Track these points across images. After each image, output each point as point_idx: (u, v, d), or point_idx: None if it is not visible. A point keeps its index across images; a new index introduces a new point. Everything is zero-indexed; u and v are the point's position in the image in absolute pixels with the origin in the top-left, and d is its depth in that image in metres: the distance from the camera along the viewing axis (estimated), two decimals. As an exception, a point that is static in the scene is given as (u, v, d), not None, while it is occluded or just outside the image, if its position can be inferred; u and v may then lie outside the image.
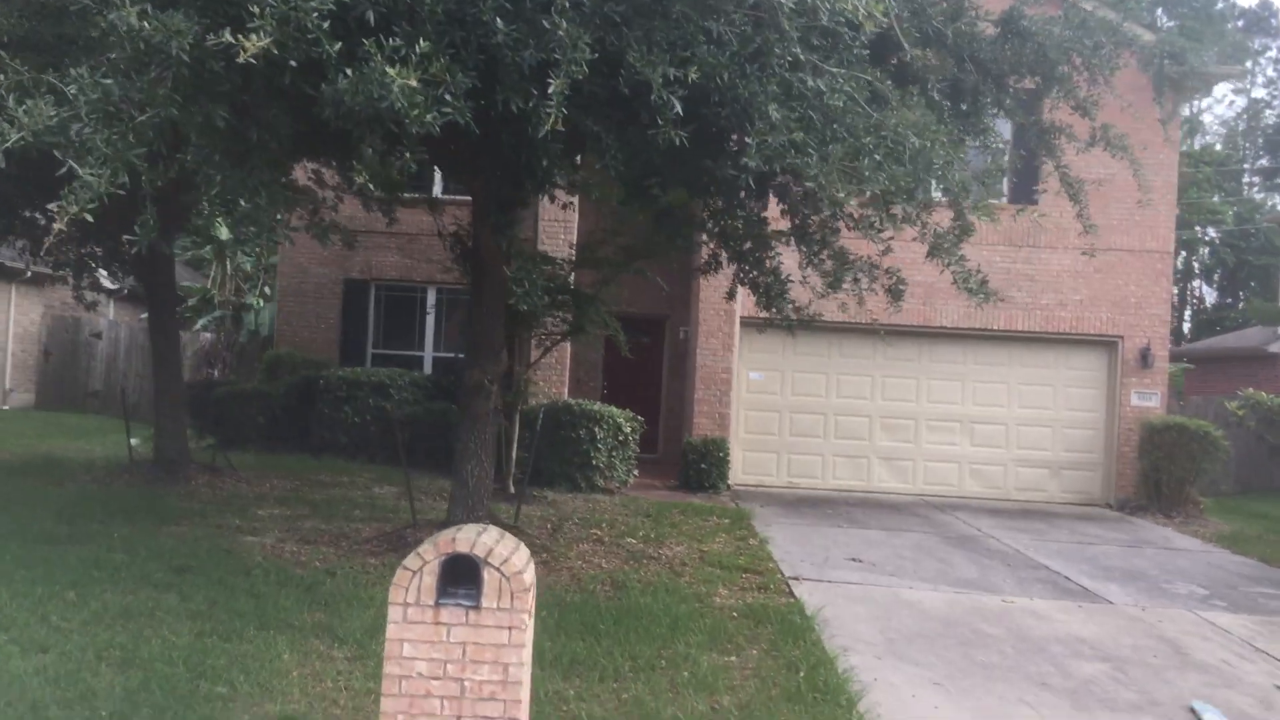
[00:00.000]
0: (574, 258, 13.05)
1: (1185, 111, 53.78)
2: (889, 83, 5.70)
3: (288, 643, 6.24)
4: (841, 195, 5.17)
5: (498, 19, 4.59)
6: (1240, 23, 55.34)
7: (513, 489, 12.48)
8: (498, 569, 4.51)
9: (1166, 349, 15.77)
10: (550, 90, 4.22)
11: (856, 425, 15.87)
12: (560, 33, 4.39)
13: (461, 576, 4.59)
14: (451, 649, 4.50)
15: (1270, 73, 56.62)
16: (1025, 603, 8.99)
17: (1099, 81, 8.41)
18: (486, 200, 7.79)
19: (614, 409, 13.79)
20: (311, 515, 10.44)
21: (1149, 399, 15.54)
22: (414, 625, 4.49)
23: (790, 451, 15.84)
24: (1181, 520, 14.51)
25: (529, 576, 4.66)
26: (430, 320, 17.75)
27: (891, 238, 7.56)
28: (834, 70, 5.38)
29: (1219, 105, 70.39)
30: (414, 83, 3.80)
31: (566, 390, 15.41)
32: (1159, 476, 14.84)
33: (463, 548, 4.53)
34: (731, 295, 10.92)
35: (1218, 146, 54.39)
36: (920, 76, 6.51)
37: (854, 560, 10.32)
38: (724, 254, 9.96)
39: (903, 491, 15.70)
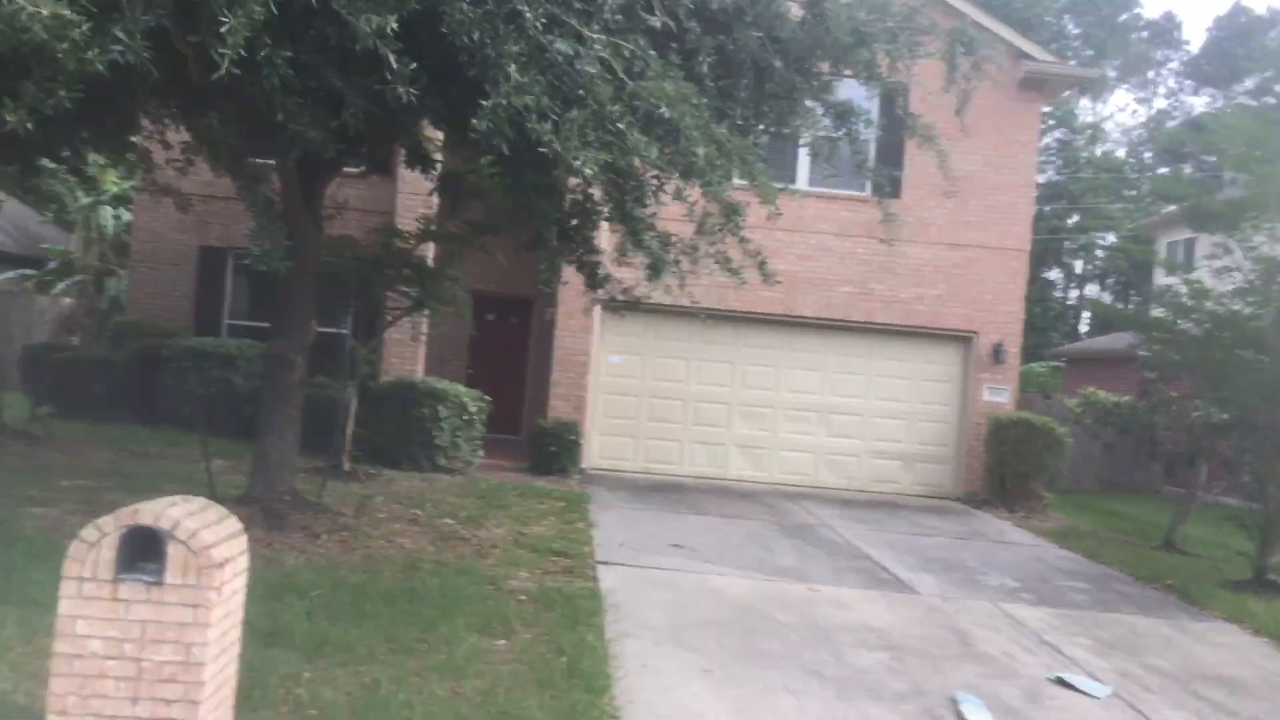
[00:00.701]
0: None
1: (1089, 117, 55.07)
2: (652, 52, 5.53)
3: (20, 618, 5.93)
4: (578, 163, 4.99)
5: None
6: (1145, 34, 56.50)
7: (348, 466, 12.19)
8: (184, 543, 4.28)
9: (1019, 345, 16.02)
10: (223, 30, 3.97)
11: (715, 412, 15.85)
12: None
13: (152, 551, 4.36)
14: (130, 627, 4.26)
15: (1171, 83, 57.98)
16: (832, 591, 9.00)
17: (898, 69, 8.34)
18: (282, 161, 7.51)
19: (461, 387, 13.55)
20: (118, 488, 9.99)
21: (1000, 394, 15.78)
22: (90, 601, 4.25)
23: (648, 437, 15.76)
24: (1024, 515, 14.77)
25: (221, 552, 4.43)
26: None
27: (654, 214, 7.42)
28: (595, 35, 5.21)
29: (1121, 114, 71.98)
30: (45, 12, 3.51)
31: (421, 367, 15.09)
32: (1004, 471, 15.08)
33: (146, 520, 4.29)
34: (553, 274, 10.76)
35: (1120, 153, 55.56)
36: (693, 49, 6.31)
37: (677, 546, 10.25)
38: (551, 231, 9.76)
39: (758, 480, 15.72)
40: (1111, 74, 57.88)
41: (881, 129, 15.78)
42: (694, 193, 6.99)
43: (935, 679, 6.89)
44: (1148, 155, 54.96)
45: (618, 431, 15.72)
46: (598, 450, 15.64)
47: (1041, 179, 48.38)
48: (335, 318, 15.32)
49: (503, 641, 6.56)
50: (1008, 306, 15.88)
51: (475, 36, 4.83)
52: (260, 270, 6.67)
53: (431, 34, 4.94)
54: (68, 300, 22.24)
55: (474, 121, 4.69)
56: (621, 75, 5.19)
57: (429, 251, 13.60)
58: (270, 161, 8.17)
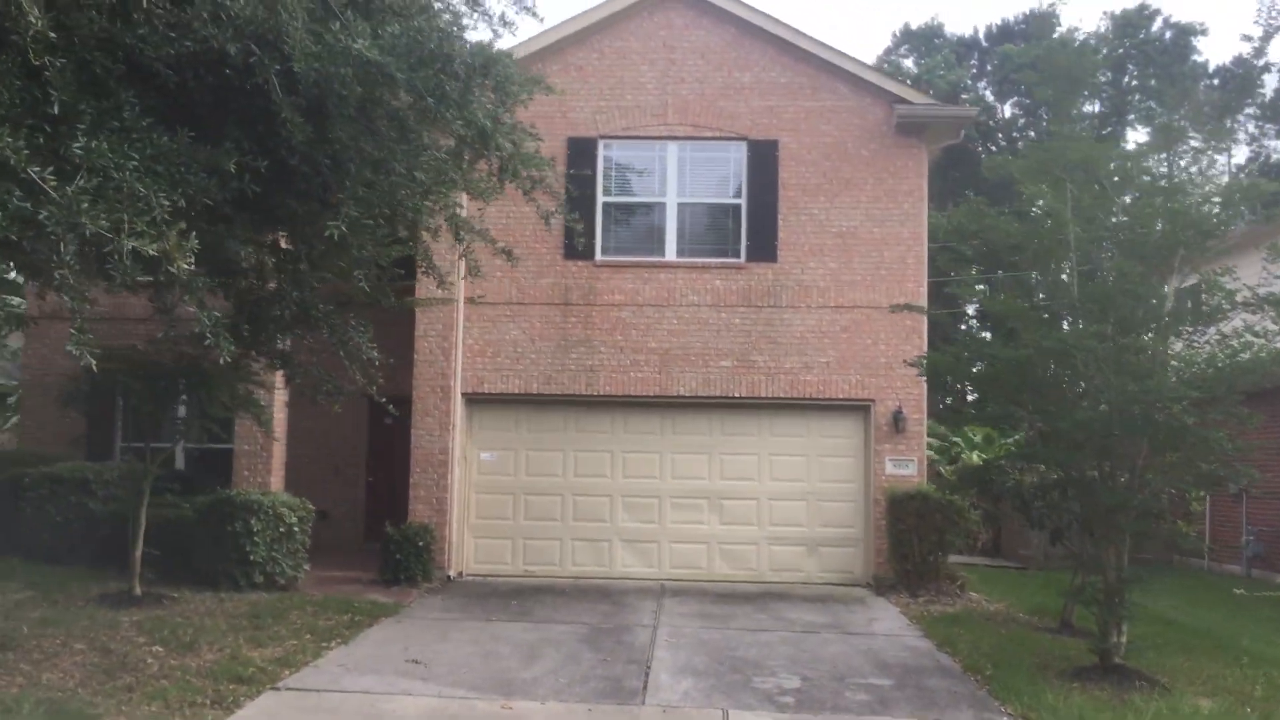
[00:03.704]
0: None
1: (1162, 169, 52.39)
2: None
3: None
4: None
5: None
6: (1216, 80, 53.58)
7: (139, 590, 11.50)
8: None
9: (923, 412, 14.59)
10: None
11: (597, 505, 14.74)
12: None
13: None
14: None
15: (1251, 129, 54.63)
16: (531, 708, 7.84)
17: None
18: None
19: (280, 497, 12.79)
20: None
21: (905, 467, 14.33)
22: None
23: (526, 536, 14.72)
24: (929, 597, 13.22)
25: None
26: (184, 410, 16.88)
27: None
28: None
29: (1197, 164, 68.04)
30: None
31: (277, 479, 14.30)
32: (904, 551, 13.58)
33: None
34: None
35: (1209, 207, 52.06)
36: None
37: (413, 662, 9.18)
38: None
39: (646, 576, 14.48)
40: (1182, 124, 55.16)
41: (751, 189, 14.88)
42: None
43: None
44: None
45: (494, 533, 14.72)
46: (472, 554, 14.66)
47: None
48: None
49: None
50: (906, 370, 14.48)
51: None
52: None
53: None
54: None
55: None
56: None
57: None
58: None
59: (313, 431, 16.91)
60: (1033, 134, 45.77)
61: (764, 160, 14.88)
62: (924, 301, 14.59)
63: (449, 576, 14.11)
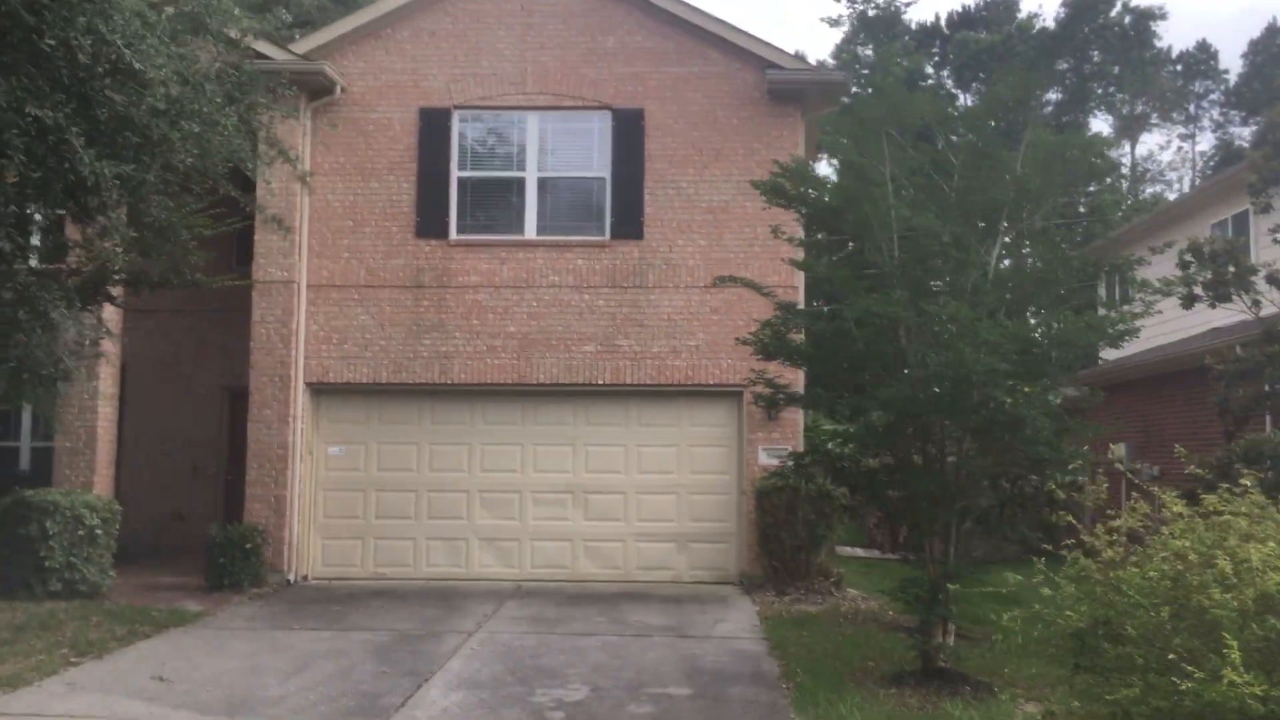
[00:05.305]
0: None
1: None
2: None
3: None
4: None
5: None
6: (1178, 67, 52.68)
7: (-88, 601, 10.51)
8: None
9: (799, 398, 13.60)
10: None
11: (453, 502, 13.74)
12: None
13: None
14: None
15: (1216, 115, 53.90)
16: (244, 733, 6.87)
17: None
18: None
19: (83, 497, 11.75)
20: None
21: (779, 457, 13.37)
22: None
23: (377, 536, 13.71)
24: (797, 595, 12.31)
25: None
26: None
27: None
28: None
29: (1164, 152, 66.81)
30: None
31: (102, 479, 13.05)
32: (772, 546, 12.65)
33: None
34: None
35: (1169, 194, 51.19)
36: None
37: (158, 680, 8.20)
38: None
39: (505, 576, 13.49)
40: (1142, 110, 54.17)
41: (615, 163, 13.94)
42: None
43: None
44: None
45: (343, 533, 13.71)
46: (319, 556, 13.65)
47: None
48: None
49: None
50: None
51: None
52: None
53: None
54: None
55: None
56: None
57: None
58: None
59: (169, 428, 15.93)
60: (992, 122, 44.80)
61: (629, 131, 13.91)
62: (799, 280, 13.60)
63: (289, 580, 13.12)
